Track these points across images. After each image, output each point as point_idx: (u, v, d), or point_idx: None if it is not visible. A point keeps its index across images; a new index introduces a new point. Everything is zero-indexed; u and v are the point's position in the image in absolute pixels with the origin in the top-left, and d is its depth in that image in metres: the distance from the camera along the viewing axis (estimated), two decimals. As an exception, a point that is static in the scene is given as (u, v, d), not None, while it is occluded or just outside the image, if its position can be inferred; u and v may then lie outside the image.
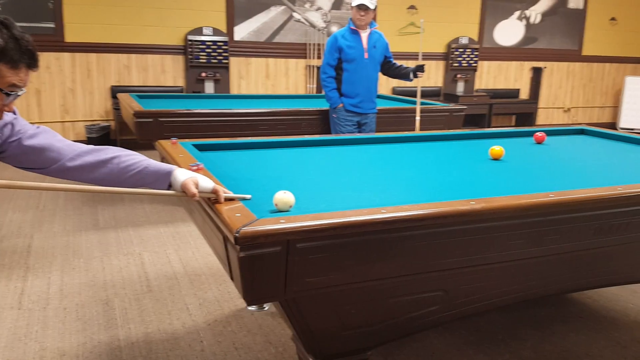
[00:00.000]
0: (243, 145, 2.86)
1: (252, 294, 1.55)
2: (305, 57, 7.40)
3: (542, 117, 8.87)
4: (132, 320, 2.75)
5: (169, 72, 6.91)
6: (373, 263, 1.65)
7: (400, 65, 4.62)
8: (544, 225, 1.91)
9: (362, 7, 4.24)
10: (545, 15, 8.57)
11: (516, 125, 8.68)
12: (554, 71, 8.84)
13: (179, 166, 1.85)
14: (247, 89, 7.27)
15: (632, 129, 8.89)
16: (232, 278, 1.65)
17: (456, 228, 1.74)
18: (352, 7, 4.30)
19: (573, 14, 8.75)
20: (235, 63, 7.12)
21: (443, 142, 3.19)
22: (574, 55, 8.91)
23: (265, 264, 1.51)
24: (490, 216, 1.77)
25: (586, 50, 8.96)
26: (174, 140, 2.65)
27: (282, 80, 7.41)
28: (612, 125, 9.24)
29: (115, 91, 6.54)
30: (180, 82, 6.97)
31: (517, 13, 8.41)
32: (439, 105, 5.00)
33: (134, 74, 6.78)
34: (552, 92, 8.93)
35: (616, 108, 9.35)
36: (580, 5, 8.74)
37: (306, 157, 2.73)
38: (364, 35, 4.39)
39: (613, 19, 9.00)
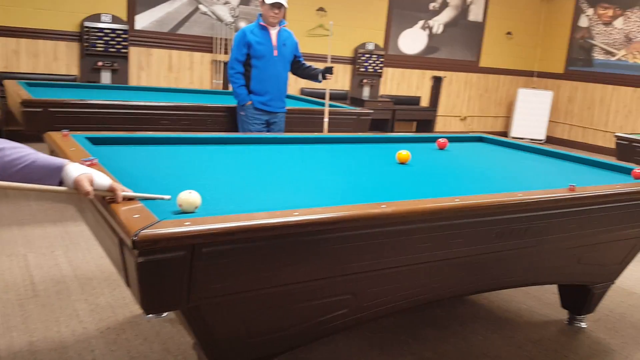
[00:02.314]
0: (143, 140, 2.67)
1: (152, 302, 1.43)
2: (211, 52, 7.19)
3: (440, 124, 9.24)
4: (15, 327, 2.48)
5: (62, 59, 6.43)
6: (283, 267, 1.58)
7: (310, 66, 4.59)
8: (450, 229, 1.93)
9: (276, 5, 4.16)
10: (447, 26, 8.93)
11: (417, 131, 8.98)
12: (453, 81, 9.24)
13: (71, 161, 1.68)
14: (148, 81, 6.93)
15: (522, 138, 9.49)
16: (128, 285, 1.52)
17: (367, 231, 1.72)
18: (263, 3, 4.20)
19: (473, 27, 9.19)
20: (135, 53, 6.77)
21: (351, 145, 3.18)
22: (472, 66, 9.37)
23: (166, 271, 1.39)
24: (400, 220, 1.76)
25: (483, 62, 9.45)
26: (65, 132, 2.42)
27: (186, 74, 7.15)
28: (504, 134, 9.81)
29: (1, 78, 5.98)
30: (74, 70, 6.52)
31: (421, 22, 8.70)
32: (347, 108, 5.03)
33: (23, 59, 6.24)
34: (451, 100, 9.33)
35: (508, 118, 9.95)
36: (480, 19, 9.21)
37: (213, 155, 2.61)
38: (274, 32, 4.31)
39: (509, 33, 9.57)
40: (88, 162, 1.87)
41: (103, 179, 1.54)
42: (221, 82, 7.25)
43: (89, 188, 1.49)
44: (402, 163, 2.72)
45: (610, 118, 9.00)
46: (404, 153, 2.72)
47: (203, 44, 7.15)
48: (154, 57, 6.91)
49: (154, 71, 6.95)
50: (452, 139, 3.57)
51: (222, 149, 2.76)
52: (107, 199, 1.55)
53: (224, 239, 1.44)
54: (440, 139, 3.33)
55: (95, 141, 2.46)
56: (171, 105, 4.30)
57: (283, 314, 1.74)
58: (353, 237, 1.68)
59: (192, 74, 7.18)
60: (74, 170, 1.53)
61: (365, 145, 3.21)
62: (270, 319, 1.72)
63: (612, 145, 8.83)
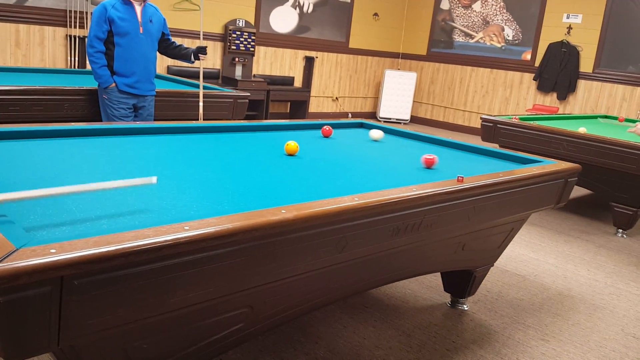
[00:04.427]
0: (-12, 135, 2.27)
1: (14, 348, 1.16)
2: (65, 26, 6.48)
3: (314, 105, 9.24)
4: None
5: None
6: (173, 291, 1.37)
7: (180, 45, 4.27)
8: (349, 230, 1.83)
9: None
10: (317, 5, 8.88)
11: (290, 112, 8.90)
12: (324, 61, 9.25)
13: None
14: (-9, 59, 6.11)
15: (389, 119, 9.81)
16: (-22, 328, 1.22)
17: (266, 241, 1.55)
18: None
19: (342, 7, 9.23)
20: (-27, 26, 5.91)
21: (233, 134, 2.98)
22: (342, 47, 9.44)
23: (30, 310, 1.13)
24: (301, 225, 1.62)
25: (352, 43, 9.56)
26: None
27: (37, 51, 6.39)
28: (373, 115, 10.08)
29: None
30: None
31: (292, 1, 8.55)
32: (223, 90, 4.76)
33: None
34: (323, 81, 9.35)
35: (376, 99, 10.22)
36: (348, -1, 9.28)
37: (75, 151, 2.27)
38: (138, 7, 3.93)
39: (376, 14, 9.76)
40: None
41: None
42: (76, 59, 6.58)
43: None
44: (290, 155, 2.59)
45: (469, 98, 9.59)
46: (292, 144, 2.59)
47: (55, 18, 6.41)
48: (-5, 30, 6.08)
49: (-3, 47, 6.12)
50: (334, 125, 3.50)
51: (85, 142, 2.43)
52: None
53: (100, 266, 1.20)
54: (325, 127, 3.24)
55: None
56: (21, 89, 3.75)
57: (171, 339, 1.54)
58: (252, 249, 1.51)
59: (44, 50, 6.43)
60: None
61: (248, 135, 3.02)
62: (157, 346, 1.51)
63: (471, 124, 9.46)
